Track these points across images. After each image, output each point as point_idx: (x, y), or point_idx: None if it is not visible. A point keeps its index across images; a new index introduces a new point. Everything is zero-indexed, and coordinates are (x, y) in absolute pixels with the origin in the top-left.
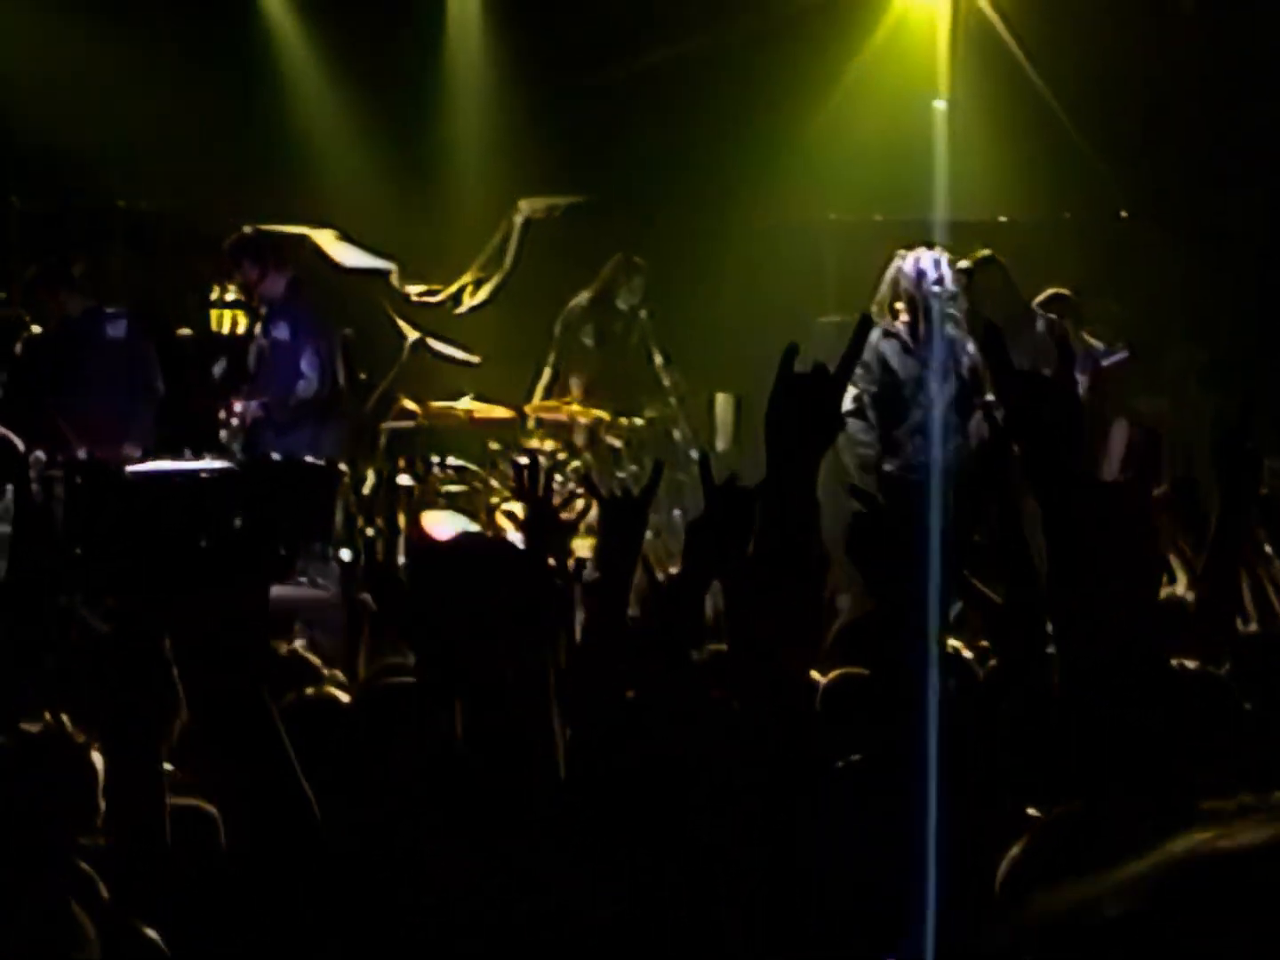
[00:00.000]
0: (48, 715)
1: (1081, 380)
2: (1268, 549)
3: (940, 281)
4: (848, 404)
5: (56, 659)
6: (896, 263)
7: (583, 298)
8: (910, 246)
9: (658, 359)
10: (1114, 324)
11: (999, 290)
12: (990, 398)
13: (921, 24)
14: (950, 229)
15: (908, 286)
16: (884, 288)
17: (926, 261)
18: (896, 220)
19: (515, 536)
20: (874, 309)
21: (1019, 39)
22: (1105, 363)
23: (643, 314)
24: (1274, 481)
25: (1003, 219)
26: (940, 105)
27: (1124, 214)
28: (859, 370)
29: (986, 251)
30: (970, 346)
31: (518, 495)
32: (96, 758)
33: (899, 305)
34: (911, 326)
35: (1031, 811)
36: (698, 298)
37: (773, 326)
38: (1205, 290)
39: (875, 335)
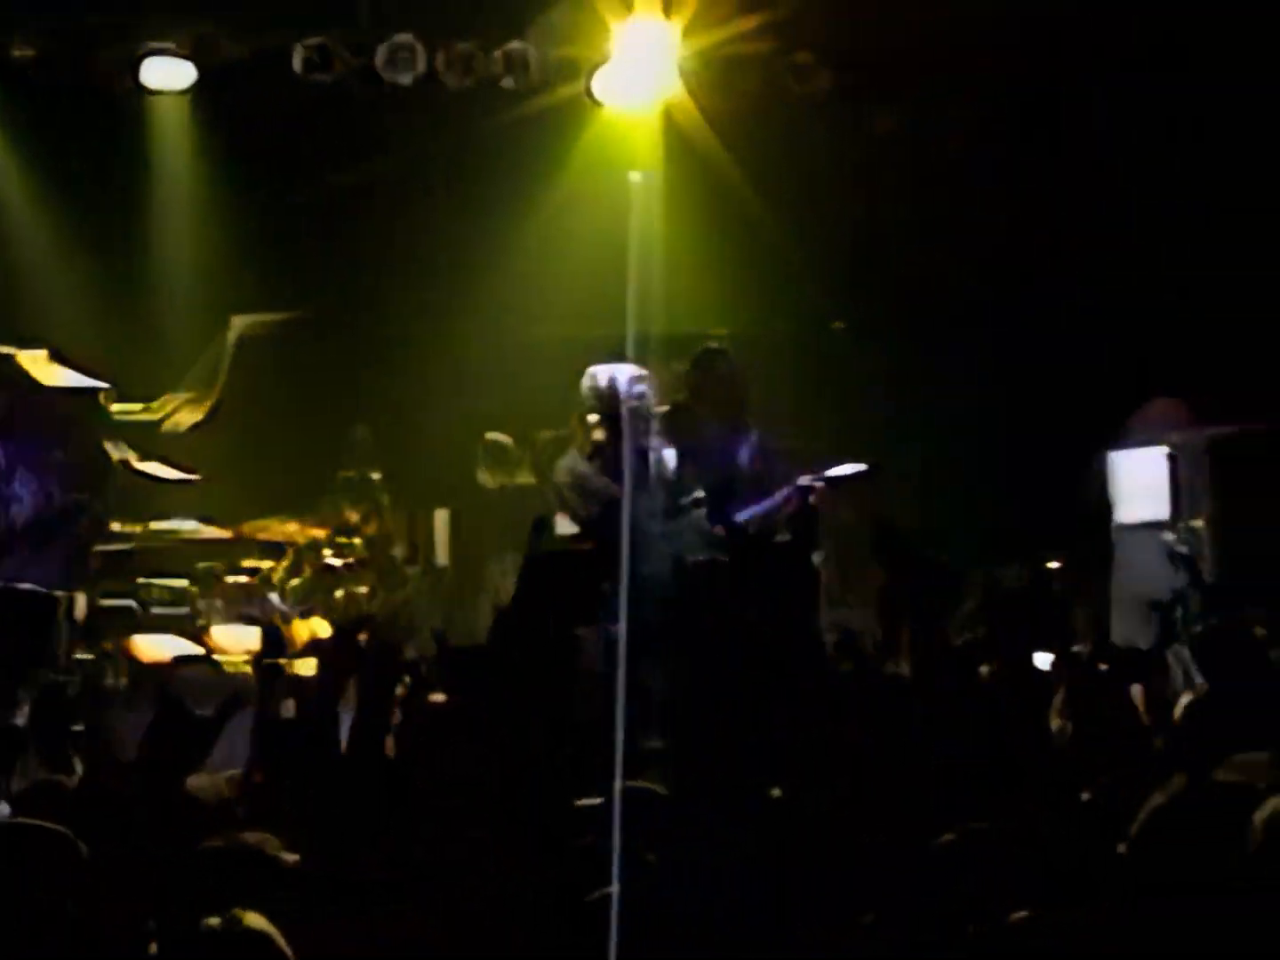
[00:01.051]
0: None
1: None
2: None
3: (639, 396)
4: (571, 529)
5: None
6: (587, 381)
7: None
8: (603, 361)
9: (375, 475)
10: (825, 435)
11: (723, 391)
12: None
13: (628, 136)
14: (665, 344)
15: (598, 404)
16: (581, 408)
17: (621, 376)
18: (612, 335)
19: (230, 659)
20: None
21: (731, 151)
22: (838, 473)
23: (360, 431)
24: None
25: (716, 333)
26: (637, 178)
27: (836, 325)
28: (572, 498)
29: (715, 343)
30: (670, 452)
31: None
32: None
33: (592, 420)
34: (608, 443)
35: None
36: (415, 413)
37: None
38: (922, 397)
39: (569, 460)
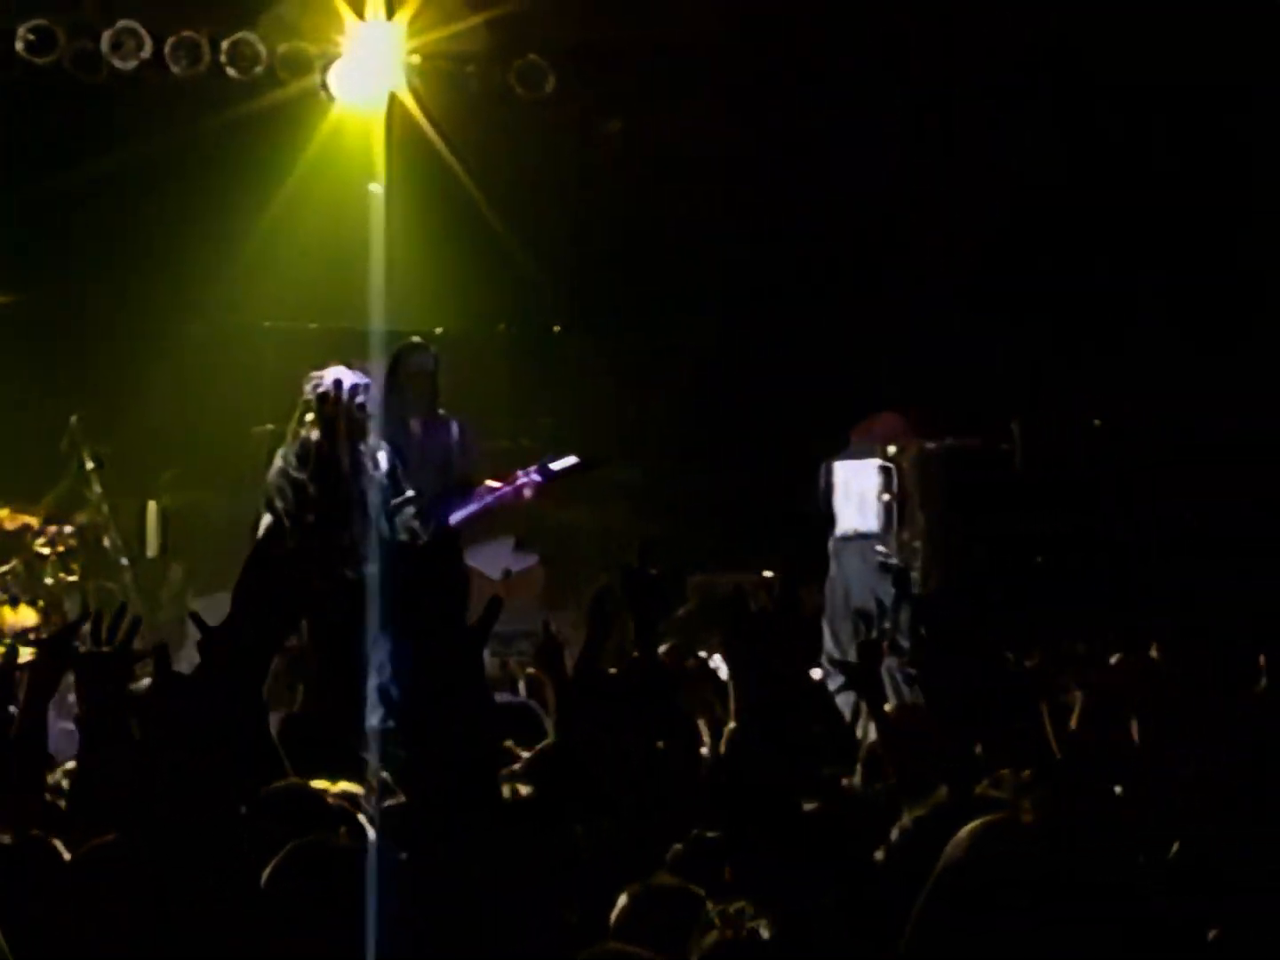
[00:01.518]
0: None
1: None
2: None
3: (360, 405)
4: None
5: None
6: (309, 384)
7: None
8: (326, 356)
9: (89, 464)
10: (544, 436)
11: (420, 384)
12: None
13: (358, 134)
14: (386, 338)
15: (319, 406)
16: (299, 409)
17: (345, 381)
18: (333, 328)
19: None
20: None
21: (456, 153)
22: (555, 466)
23: (73, 419)
24: (713, 594)
25: (438, 330)
26: (377, 191)
27: (556, 328)
28: (277, 499)
29: (416, 338)
30: (383, 454)
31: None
32: None
33: (309, 419)
34: (325, 443)
35: None
36: (133, 403)
37: (208, 434)
38: (638, 406)
39: (280, 462)
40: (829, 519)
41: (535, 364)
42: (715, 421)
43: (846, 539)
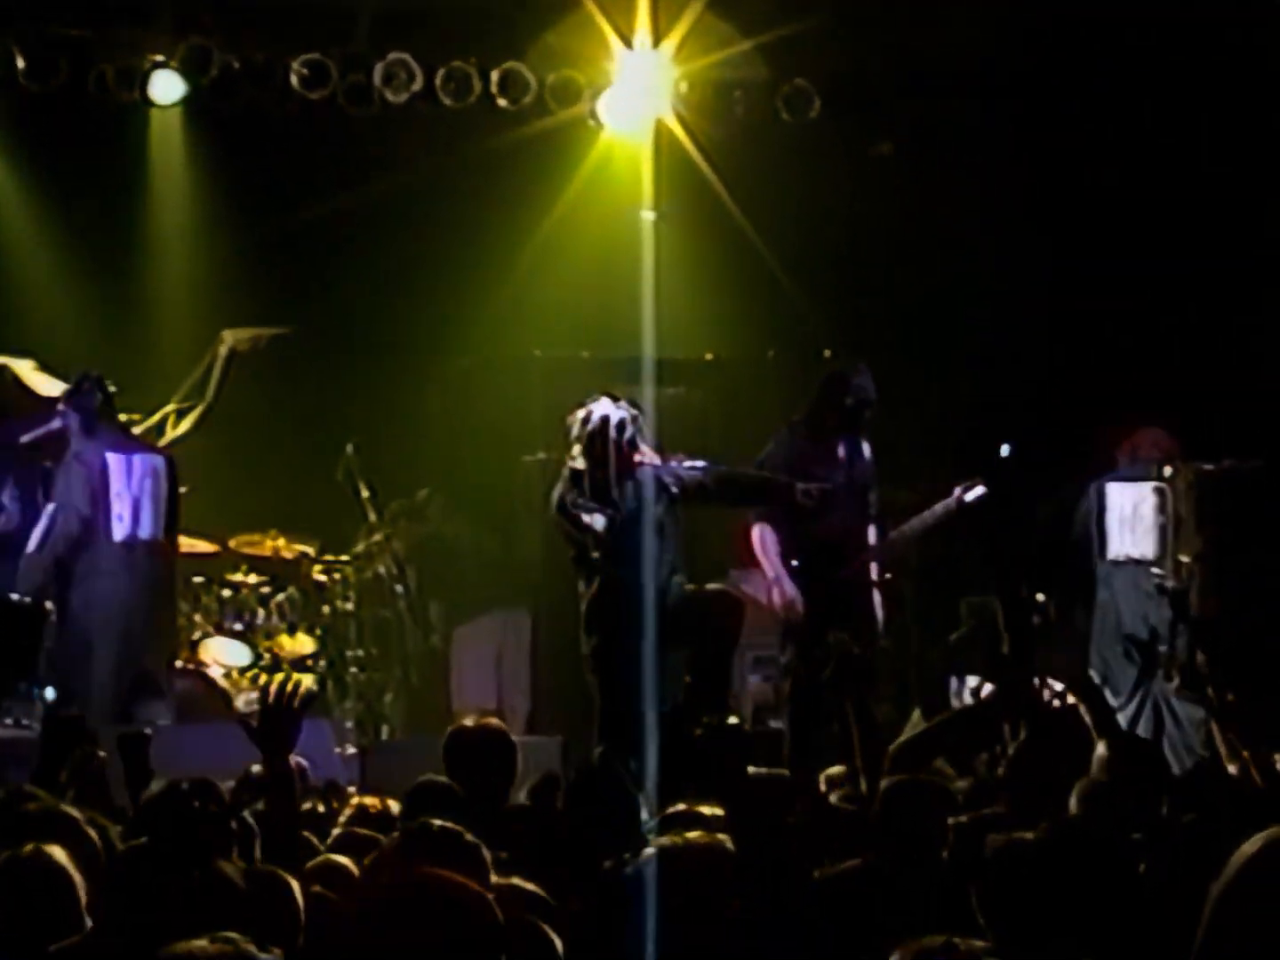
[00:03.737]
0: None
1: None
2: None
3: (622, 428)
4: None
5: None
6: (580, 414)
7: None
8: (594, 383)
9: (364, 493)
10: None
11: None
12: None
13: (626, 161)
14: (657, 367)
15: (587, 440)
16: (572, 435)
17: (613, 417)
18: (603, 358)
19: (218, 671)
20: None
21: (723, 178)
22: (968, 497)
23: (348, 448)
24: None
25: (708, 356)
26: (649, 219)
27: (827, 353)
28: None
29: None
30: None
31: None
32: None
33: (577, 450)
34: (590, 473)
35: None
36: (404, 432)
37: (480, 462)
38: (907, 429)
39: (556, 493)
40: (1092, 542)
41: (805, 390)
42: (982, 442)
43: (1118, 563)
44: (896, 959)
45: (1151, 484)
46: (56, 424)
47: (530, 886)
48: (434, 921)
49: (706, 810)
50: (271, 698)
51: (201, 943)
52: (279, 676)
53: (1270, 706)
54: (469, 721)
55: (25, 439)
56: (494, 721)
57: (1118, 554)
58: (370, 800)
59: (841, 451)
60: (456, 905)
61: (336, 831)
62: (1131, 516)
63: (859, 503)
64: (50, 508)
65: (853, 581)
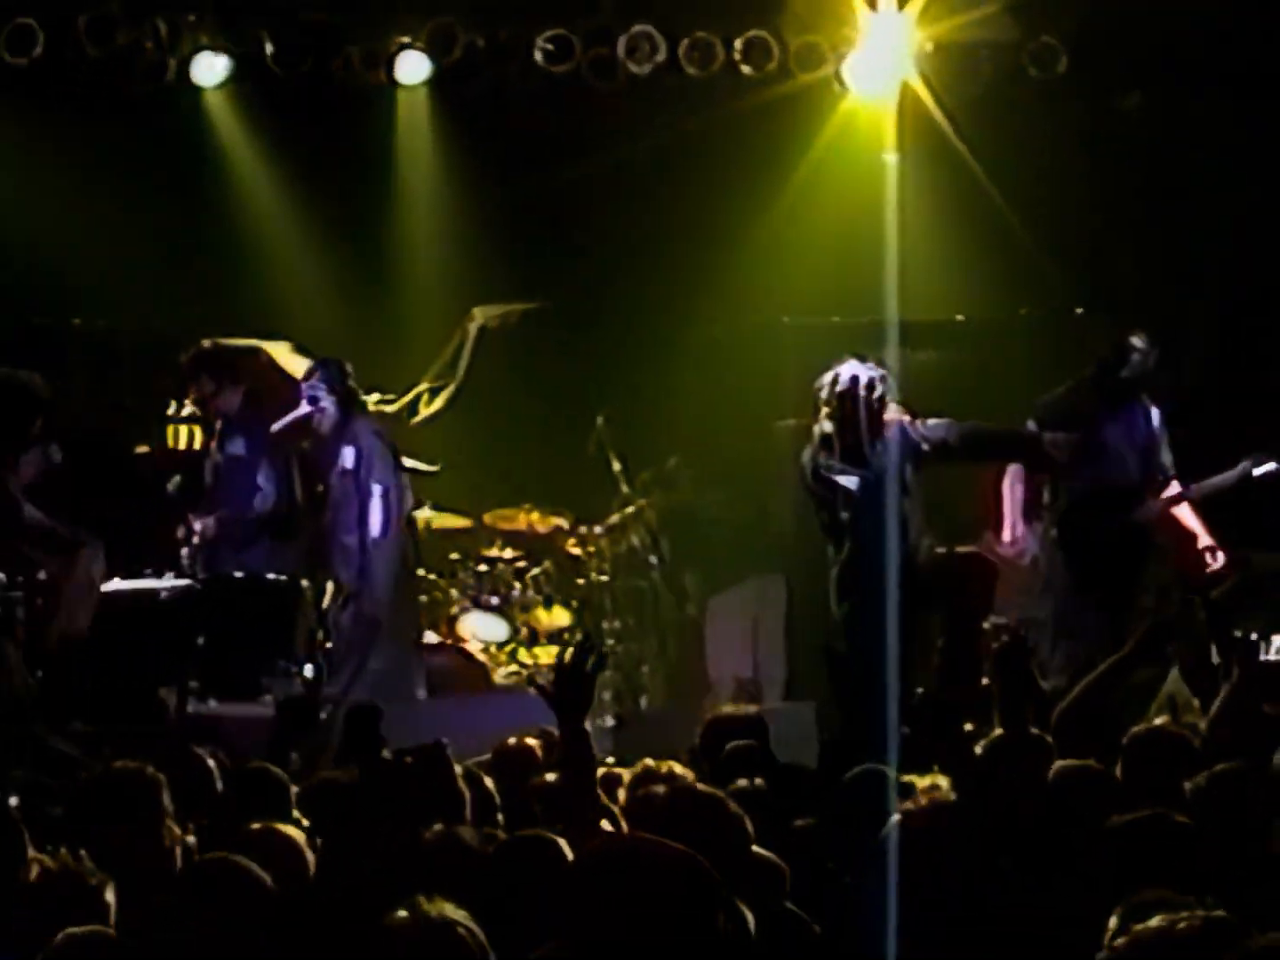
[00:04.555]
0: (63, 852)
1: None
2: None
3: (871, 387)
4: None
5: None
6: (827, 377)
7: None
8: (843, 349)
9: (615, 465)
10: None
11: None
12: None
13: (870, 124)
14: (906, 330)
15: (835, 401)
16: (821, 397)
17: (862, 376)
18: (853, 323)
19: (475, 646)
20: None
21: (970, 140)
22: (1256, 471)
23: (600, 420)
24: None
25: (959, 317)
26: (891, 161)
27: (1079, 310)
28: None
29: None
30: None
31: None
32: (109, 896)
33: (825, 412)
34: (841, 435)
35: None
36: (654, 402)
37: (730, 431)
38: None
39: (807, 454)
40: None
41: (1057, 347)
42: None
43: None
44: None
45: None
46: (305, 410)
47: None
48: (641, 883)
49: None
50: (567, 661)
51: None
52: (576, 640)
53: None
54: (727, 709)
55: (276, 428)
56: (749, 709)
57: None
58: (654, 763)
59: (1122, 410)
60: (667, 868)
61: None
62: None
63: (1138, 460)
64: (377, 489)
65: (1122, 534)
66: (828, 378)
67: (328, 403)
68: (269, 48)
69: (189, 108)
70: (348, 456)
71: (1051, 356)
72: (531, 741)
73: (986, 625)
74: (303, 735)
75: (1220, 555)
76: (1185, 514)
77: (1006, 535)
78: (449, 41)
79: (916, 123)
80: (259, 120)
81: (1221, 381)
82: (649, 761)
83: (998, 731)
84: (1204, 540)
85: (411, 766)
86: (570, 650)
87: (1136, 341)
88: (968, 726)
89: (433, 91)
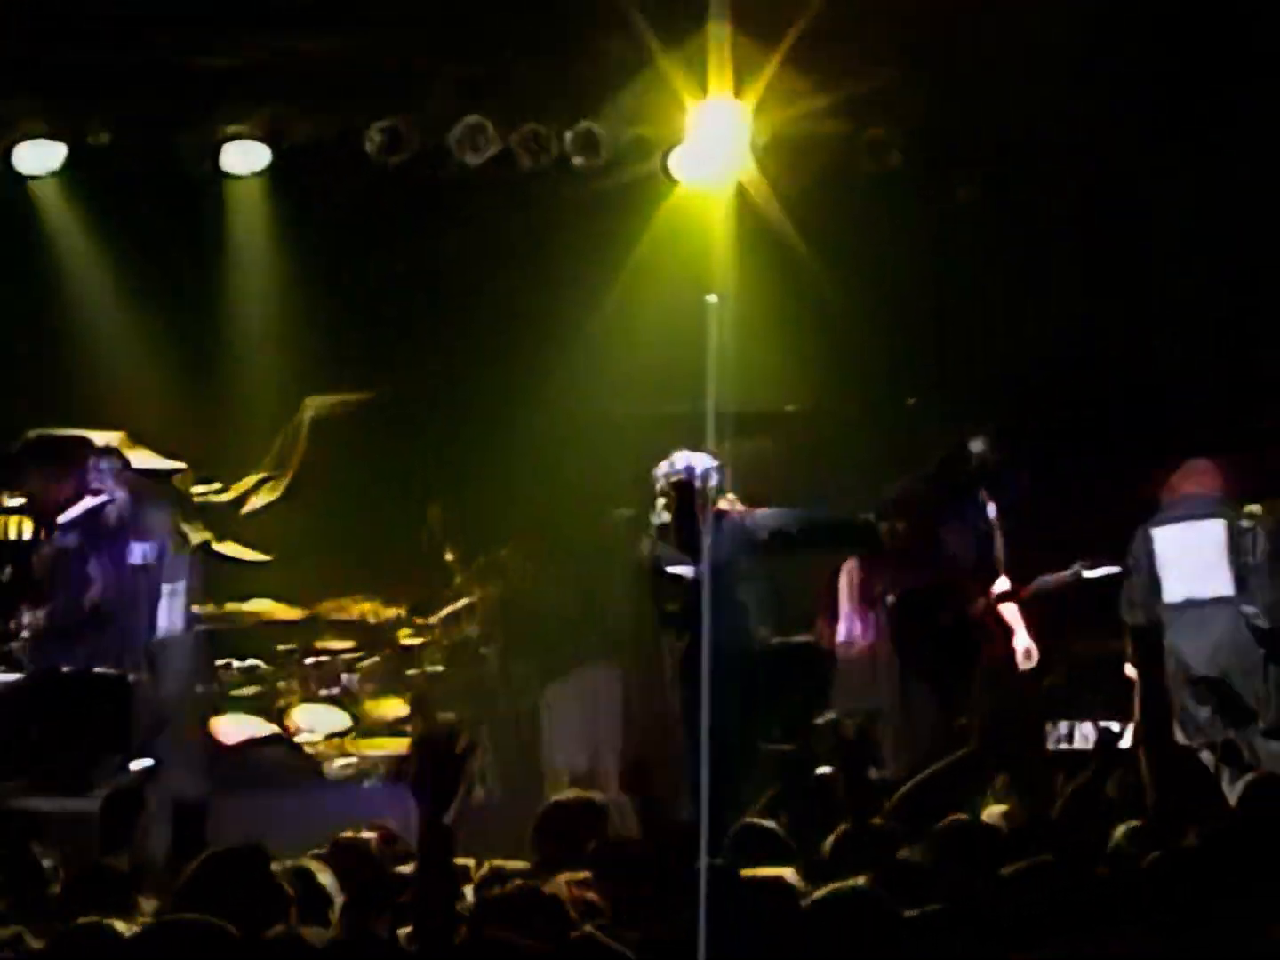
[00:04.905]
0: None
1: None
2: None
3: (707, 478)
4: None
5: None
6: (664, 467)
7: None
8: (679, 438)
9: (449, 555)
10: None
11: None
12: None
13: (701, 213)
14: (740, 420)
15: (672, 490)
16: (657, 487)
17: (697, 466)
18: (685, 412)
19: (309, 737)
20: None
21: (801, 229)
22: (1086, 574)
23: (433, 510)
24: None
25: (789, 408)
26: (712, 299)
27: (910, 401)
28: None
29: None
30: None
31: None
32: None
33: (661, 503)
34: (677, 525)
35: None
36: (488, 492)
37: (565, 520)
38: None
39: (644, 546)
40: (1151, 587)
41: (890, 438)
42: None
43: (1178, 607)
44: None
45: (1210, 521)
46: (93, 502)
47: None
48: None
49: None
50: (431, 748)
51: None
52: (439, 725)
53: None
54: (564, 796)
55: (62, 521)
56: (587, 795)
57: (1177, 598)
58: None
59: (960, 503)
60: None
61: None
62: (1187, 557)
63: (973, 555)
64: (167, 587)
65: (957, 627)
66: (664, 468)
67: (117, 494)
68: (103, 137)
69: (19, 196)
70: (137, 551)
71: (882, 446)
72: (368, 835)
73: (821, 718)
74: (130, 830)
75: (1035, 657)
76: (1010, 612)
77: (842, 627)
78: (281, 131)
79: (749, 215)
80: (91, 209)
81: (1058, 478)
82: (497, 861)
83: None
84: (1023, 640)
85: (229, 867)
86: (437, 735)
87: (976, 445)
88: None
89: (265, 181)
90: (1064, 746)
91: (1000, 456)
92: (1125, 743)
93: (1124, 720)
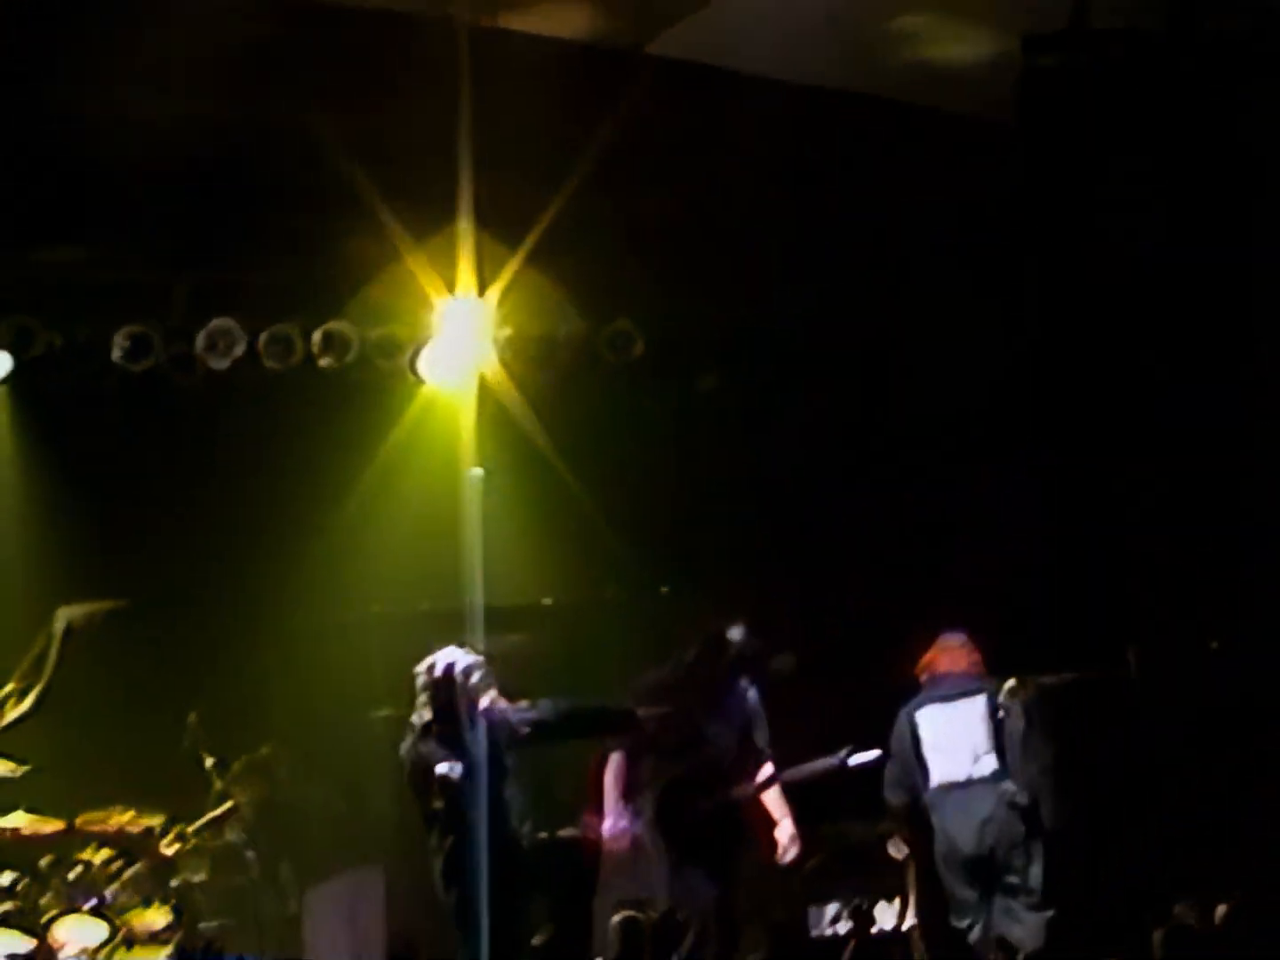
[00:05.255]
0: None
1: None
2: None
3: (468, 673)
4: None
5: None
6: (423, 668)
7: None
8: (433, 636)
9: (209, 761)
10: None
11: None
12: None
13: (449, 414)
14: (492, 614)
15: (435, 691)
16: (419, 684)
17: (459, 664)
18: (441, 609)
19: (72, 950)
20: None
21: (548, 425)
22: (852, 761)
23: (191, 717)
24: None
25: (546, 601)
26: (476, 474)
27: (664, 589)
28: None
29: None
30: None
31: None
32: None
33: (423, 700)
34: (440, 722)
35: None
36: (247, 696)
37: (325, 721)
38: None
39: (406, 746)
40: (916, 772)
41: (644, 627)
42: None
43: (945, 789)
44: None
45: (970, 700)
46: None
47: None
48: None
49: None
50: None
51: None
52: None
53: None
54: None
55: None
56: None
57: (944, 779)
58: None
59: (719, 692)
60: None
61: None
62: (950, 739)
63: (735, 740)
64: None
65: (715, 816)
66: (424, 665)
67: None
68: None
69: None
70: None
71: (639, 635)
72: None
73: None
74: None
75: (796, 848)
76: (774, 798)
77: (609, 820)
78: (27, 340)
79: (495, 411)
80: None
81: (814, 660)
82: None
83: None
84: (786, 829)
85: None
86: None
87: (734, 634)
88: None
89: (10, 389)
90: (830, 931)
91: (759, 643)
92: (892, 922)
93: (890, 899)
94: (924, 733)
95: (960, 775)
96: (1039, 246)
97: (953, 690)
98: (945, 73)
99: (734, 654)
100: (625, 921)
